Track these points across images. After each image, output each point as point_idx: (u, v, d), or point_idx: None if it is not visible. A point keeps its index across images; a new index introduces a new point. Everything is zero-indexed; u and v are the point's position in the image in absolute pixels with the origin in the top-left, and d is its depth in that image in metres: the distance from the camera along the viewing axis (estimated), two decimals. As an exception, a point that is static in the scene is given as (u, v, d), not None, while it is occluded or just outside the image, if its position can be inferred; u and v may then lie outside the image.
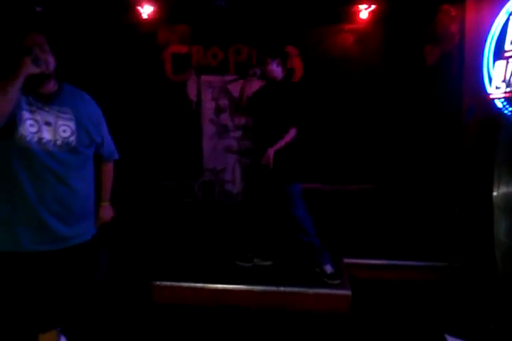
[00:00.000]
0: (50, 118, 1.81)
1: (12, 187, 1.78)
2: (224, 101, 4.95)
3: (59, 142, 1.82)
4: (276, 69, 3.43)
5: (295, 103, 3.38)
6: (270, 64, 3.42)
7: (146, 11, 4.60)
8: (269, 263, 3.69)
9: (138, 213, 4.58)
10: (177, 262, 3.73)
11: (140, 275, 3.48)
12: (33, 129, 1.77)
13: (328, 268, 3.43)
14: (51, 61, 1.83)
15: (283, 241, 3.90)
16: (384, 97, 4.58)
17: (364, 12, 4.39)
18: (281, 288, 3.31)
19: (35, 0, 4.51)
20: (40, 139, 1.78)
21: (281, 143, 3.30)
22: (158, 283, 3.34)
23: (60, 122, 1.83)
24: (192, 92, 4.90)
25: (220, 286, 3.32)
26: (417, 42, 4.50)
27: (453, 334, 2.73)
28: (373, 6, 4.36)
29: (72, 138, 1.86)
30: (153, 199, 4.88)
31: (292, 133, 3.34)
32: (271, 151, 3.26)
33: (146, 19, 4.65)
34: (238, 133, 5.00)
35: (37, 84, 1.81)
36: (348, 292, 3.24)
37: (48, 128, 1.80)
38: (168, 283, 3.35)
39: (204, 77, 4.89)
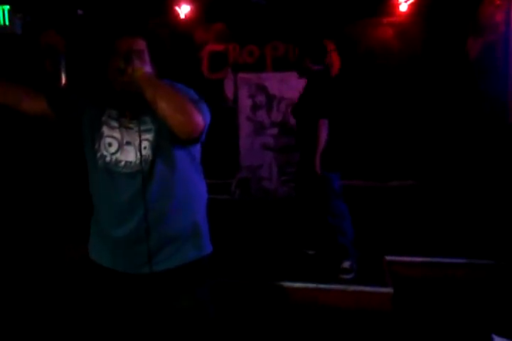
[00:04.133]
0: (131, 136, 1.59)
1: (96, 204, 1.69)
2: (261, 99, 4.95)
3: (137, 162, 1.58)
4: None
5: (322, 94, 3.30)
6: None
7: (183, 10, 4.67)
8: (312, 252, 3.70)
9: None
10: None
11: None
12: (112, 149, 1.60)
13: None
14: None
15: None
16: (425, 91, 4.46)
17: (403, 5, 4.30)
18: (321, 286, 3.28)
19: (76, 3, 4.65)
20: (116, 161, 1.59)
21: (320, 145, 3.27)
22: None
23: (138, 137, 1.57)
24: (229, 90, 4.93)
25: (257, 282, 3.32)
26: (459, 35, 4.37)
27: (500, 335, 2.63)
28: (413, -2, 4.26)
29: (148, 152, 1.58)
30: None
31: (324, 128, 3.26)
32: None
33: (183, 19, 4.72)
34: (275, 131, 4.99)
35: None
36: (389, 289, 3.18)
37: (127, 148, 1.59)
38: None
39: (241, 75, 4.91)
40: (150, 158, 1.57)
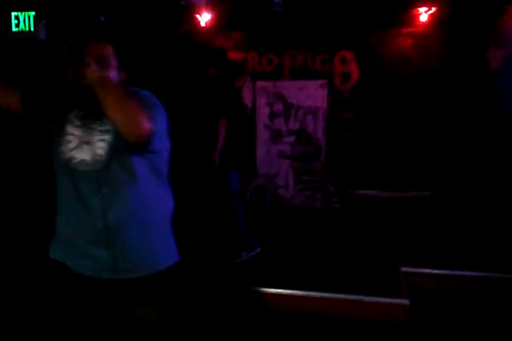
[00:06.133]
0: (90, 136, 1.63)
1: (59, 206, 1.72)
2: (278, 107, 4.98)
3: (92, 161, 1.61)
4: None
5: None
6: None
7: (204, 18, 4.72)
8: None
9: (190, 218, 4.65)
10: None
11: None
12: (71, 146, 1.64)
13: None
14: (112, 77, 1.61)
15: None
16: (444, 102, 4.44)
17: (424, 15, 4.29)
18: (336, 295, 3.25)
19: (99, 10, 4.73)
20: (72, 158, 1.63)
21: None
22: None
23: (97, 137, 1.62)
24: (247, 98, 4.96)
25: (273, 291, 3.31)
26: (479, 45, 4.35)
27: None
28: (433, 9, 4.25)
29: (103, 153, 1.61)
30: (205, 203, 4.93)
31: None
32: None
33: (203, 27, 4.77)
34: (292, 138, 5.00)
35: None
36: (405, 301, 3.14)
37: (85, 147, 1.63)
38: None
39: (259, 83, 4.94)
40: (104, 158, 1.60)
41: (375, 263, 3.73)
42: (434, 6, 4.25)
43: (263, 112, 5.00)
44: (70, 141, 1.64)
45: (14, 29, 4.46)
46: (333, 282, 3.41)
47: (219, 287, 3.32)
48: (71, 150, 1.63)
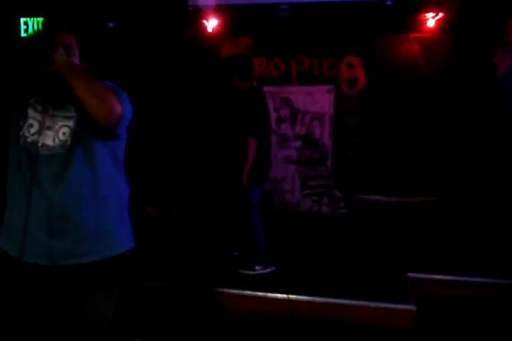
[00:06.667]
0: (53, 122, 1.65)
1: (15, 190, 1.71)
2: (285, 112, 4.98)
3: (55, 145, 1.63)
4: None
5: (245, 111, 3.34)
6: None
7: (211, 24, 4.74)
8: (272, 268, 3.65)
9: (200, 221, 4.67)
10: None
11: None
12: (33, 130, 1.66)
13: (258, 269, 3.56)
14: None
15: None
16: (451, 107, 4.43)
17: (431, 20, 4.29)
18: (342, 301, 3.23)
19: (107, 16, 4.77)
20: (34, 142, 1.64)
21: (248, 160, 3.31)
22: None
23: (60, 123, 1.65)
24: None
25: (279, 296, 3.29)
26: (486, 51, 4.35)
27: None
28: (441, 14, 4.25)
29: (67, 138, 1.63)
30: (212, 207, 4.94)
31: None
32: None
33: (210, 32, 4.79)
34: (298, 143, 5.00)
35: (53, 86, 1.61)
36: (412, 307, 3.11)
37: (47, 133, 1.64)
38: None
39: (266, 88, 4.94)
40: (68, 143, 1.63)
41: (382, 269, 3.71)
42: (441, 12, 4.25)
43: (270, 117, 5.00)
44: (31, 126, 1.66)
45: (23, 34, 4.53)
46: (339, 287, 3.40)
47: (218, 293, 3.32)
48: (33, 134, 1.65)
